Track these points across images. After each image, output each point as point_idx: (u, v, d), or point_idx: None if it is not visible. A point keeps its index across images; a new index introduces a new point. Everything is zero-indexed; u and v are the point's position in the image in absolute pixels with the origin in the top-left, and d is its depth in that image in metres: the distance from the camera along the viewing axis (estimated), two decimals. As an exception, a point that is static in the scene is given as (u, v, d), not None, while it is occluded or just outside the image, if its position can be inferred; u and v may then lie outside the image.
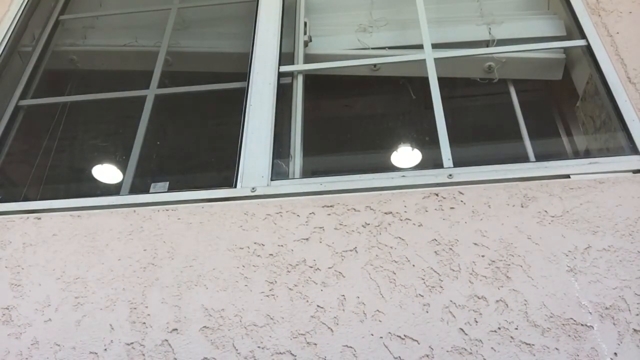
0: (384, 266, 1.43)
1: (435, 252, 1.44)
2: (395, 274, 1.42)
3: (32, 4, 2.59)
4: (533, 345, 1.27)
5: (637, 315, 1.28)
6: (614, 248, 1.39)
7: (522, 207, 1.49)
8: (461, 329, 1.31)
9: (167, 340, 1.39)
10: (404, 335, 1.32)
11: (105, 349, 1.40)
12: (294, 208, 1.58)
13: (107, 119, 2.83)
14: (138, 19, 2.71)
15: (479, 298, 1.35)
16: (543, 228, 1.44)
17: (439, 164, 1.67)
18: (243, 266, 1.49)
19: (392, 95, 2.74)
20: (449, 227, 1.48)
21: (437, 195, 1.55)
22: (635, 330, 1.26)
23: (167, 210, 1.64)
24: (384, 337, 1.32)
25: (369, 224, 1.52)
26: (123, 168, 2.16)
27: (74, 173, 2.93)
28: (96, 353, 1.40)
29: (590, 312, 1.29)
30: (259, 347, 1.35)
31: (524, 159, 1.95)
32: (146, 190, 1.78)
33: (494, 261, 1.40)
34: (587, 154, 2.03)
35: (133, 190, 1.82)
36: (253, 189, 1.67)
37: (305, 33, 2.26)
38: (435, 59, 1.97)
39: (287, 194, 1.64)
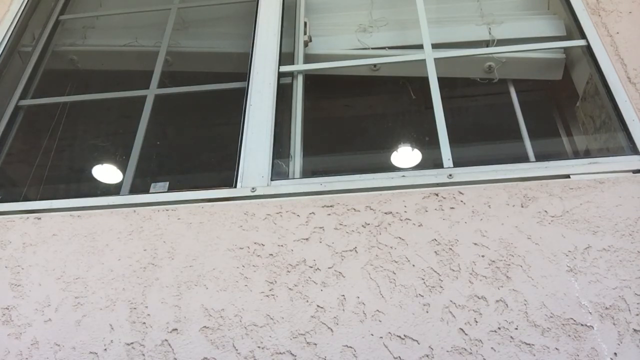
0: (384, 266, 1.43)
1: (435, 252, 1.44)
2: (395, 274, 1.42)
3: (32, 4, 2.59)
4: (533, 345, 1.27)
5: (637, 315, 1.28)
6: (614, 248, 1.39)
7: (522, 207, 1.49)
8: (461, 329, 1.31)
9: (167, 340, 1.39)
10: (404, 335, 1.32)
11: (105, 349, 1.40)
12: (294, 208, 1.58)
13: (107, 119, 2.83)
14: (138, 19, 2.71)
15: (479, 298, 1.35)
16: (543, 228, 1.44)
17: (439, 164, 1.67)
18: (243, 266, 1.49)
19: (392, 95, 2.74)
20: (449, 227, 1.48)
21: (437, 195, 1.55)
22: (635, 330, 1.26)
23: (167, 210, 1.64)
24: (384, 337, 1.32)
25: (369, 224, 1.52)
26: (123, 168, 2.16)
27: (74, 173, 2.93)
28: (96, 353, 1.40)
29: (590, 312, 1.29)
30: (259, 347, 1.35)
31: (524, 159, 1.95)
32: (146, 190, 1.78)
33: (494, 261, 1.40)
34: (587, 154, 2.03)
35: (133, 190, 1.82)
36: (253, 189, 1.67)
37: (305, 33, 2.26)
38: (435, 59, 1.97)
39: (287, 194, 1.65)
